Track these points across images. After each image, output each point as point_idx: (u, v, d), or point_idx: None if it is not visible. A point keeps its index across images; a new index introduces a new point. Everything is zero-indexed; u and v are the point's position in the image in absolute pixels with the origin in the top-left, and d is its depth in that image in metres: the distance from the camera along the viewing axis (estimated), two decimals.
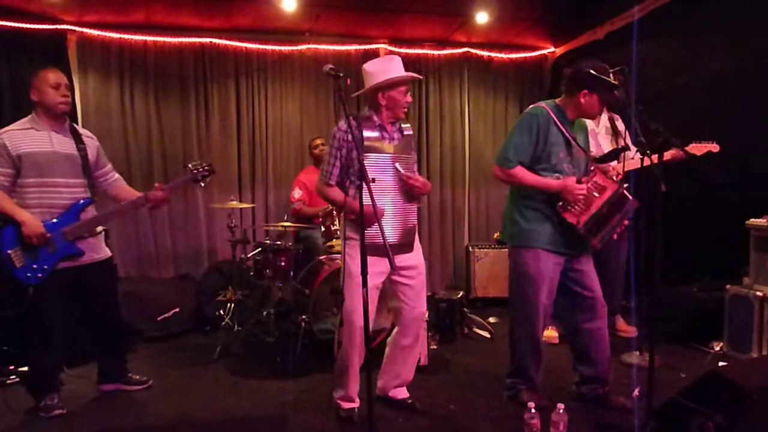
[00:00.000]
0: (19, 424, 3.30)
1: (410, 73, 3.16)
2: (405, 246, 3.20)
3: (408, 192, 3.18)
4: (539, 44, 6.78)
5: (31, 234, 3.18)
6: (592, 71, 3.09)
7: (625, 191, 3.09)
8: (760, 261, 4.02)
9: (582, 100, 3.13)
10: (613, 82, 3.05)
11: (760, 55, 4.27)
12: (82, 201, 3.41)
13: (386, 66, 3.14)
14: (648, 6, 4.98)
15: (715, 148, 3.88)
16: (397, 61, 3.15)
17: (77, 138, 3.48)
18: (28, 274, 3.23)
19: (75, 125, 3.55)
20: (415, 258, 3.26)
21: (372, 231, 2.81)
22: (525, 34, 6.40)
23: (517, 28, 6.20)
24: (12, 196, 3.28)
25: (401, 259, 3.14)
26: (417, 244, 3.32)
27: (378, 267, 2.95)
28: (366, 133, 3.11)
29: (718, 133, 4.01)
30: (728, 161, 3.93)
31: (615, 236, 3.16)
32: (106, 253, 3.62)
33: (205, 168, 3.63)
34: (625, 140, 4.24)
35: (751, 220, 4.04)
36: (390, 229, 3.10)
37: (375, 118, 3.18)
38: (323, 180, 3.20)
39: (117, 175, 3.74)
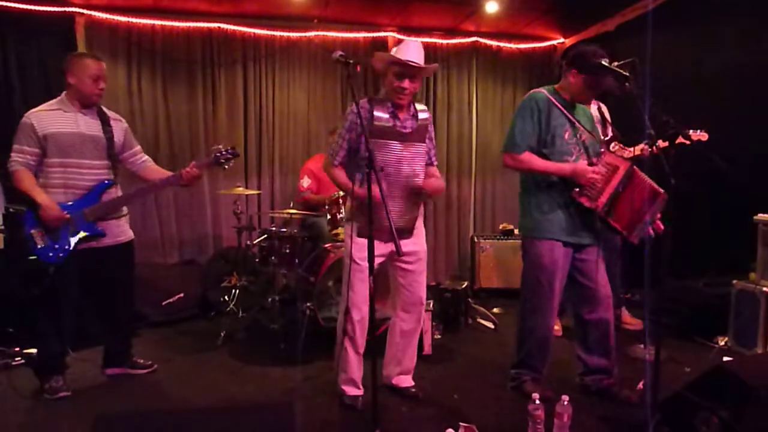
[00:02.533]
0: (24, 405, 3.32)
1: (411, 61, 3.00)
2: (404, 232, 3.17)
3: (412, 181, 3.16)
4: (549, 35, 6.73)
5: (48, 217, 3.22)
6: (582, 51, 3.08)
7: (655, 186, 3.02)
8: (767, 256, 4.00)
9: (571, 80, 3.14)
10: (603, 64, 3.00)
11: None
12: (105, 182, 3.44)
13: (402, 47, 3.08)
14: None
15: (703, 136, 3.86)
16: (414, 47, 3.07)
17: (104, 120, 3.50)
18: (50, 254, 3.27)
19: (103, 108, 3.55)
20: (415, 244, 3.24)
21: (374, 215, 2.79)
22: (534, 25, 6.35)
23: (527, 18, 6.15)
24: (38, 175, 3.33)
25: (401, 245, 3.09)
26: (419, 230, 3.31)
27: (376, 250, 2.94)
28: (377, 114, 3.06)
29: (728, 125, 3.98)
30: (737, 154, 3.90)
31: (651, 231, 3.08)
32: (128, 235, 3.63)
33: (230, 151, 3.61)
34: (613, 130, 4.23)
35: (759, 215, 4.02)
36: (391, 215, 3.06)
37: (389, 102, 3.13)
38: (330, 159, 3.20)
39: (146, 157, 3.76)
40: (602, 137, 4.00)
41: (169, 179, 3.53)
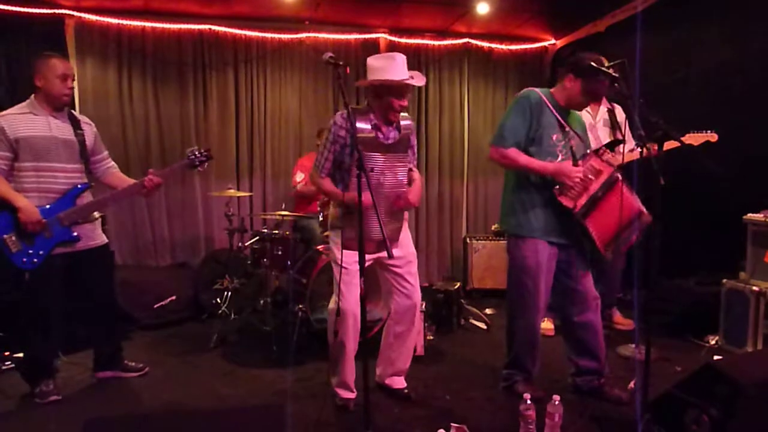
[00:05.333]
0: (13, 410, 3.30)
1: (407, 80, 3.00)
2: (390, 241, 3.16)
3: (395, 192, 3.16)
4: (540, 36, 6.76)
5: (27, 221, 3.18)
6: (581, 56, 3.10)
7: (643, 208, 3.05)
8: (756, 255, 4.02)
9: (567, 85, 3.15)
10: (600, 68, 3.01)
11: (761, 47, 4.26)
12: (79, 186, 3.40)
13: (387, 64, 3.02)
14: None
15: (713, 137, 3.86)
16: (400, 61, 3.03)
17: (75, 124, 3.46)
18: (24, 260, 3.23)
19: (73, 111, 3.53)
20: (401, 249, 3.26)
21: (356, 224, 2.78)
22: (526, 26, 6.37)
23: (518, 20, 6.17)
24: (9, 180, 3.27)
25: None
26: (405, 235, 3.32)
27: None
28: (359, 125, 3.03)
29: (717, 125, 4.00)
30: (726, 154, 3.92)
31: (623, 248, 3.14)
32: (102, 239, 3.61)
33: (203, 153, 3.59)
34: (623, 132, 4.22)
35: (749, 214, 4.04)
36: (374, 225, 3.03)
37: (372, 113, 3.12)
38: (316, 170, 3.20)
39: (112, 163, 3.72)
40: (610, 139, 4.03)
41: (133, 187, 3.50)
